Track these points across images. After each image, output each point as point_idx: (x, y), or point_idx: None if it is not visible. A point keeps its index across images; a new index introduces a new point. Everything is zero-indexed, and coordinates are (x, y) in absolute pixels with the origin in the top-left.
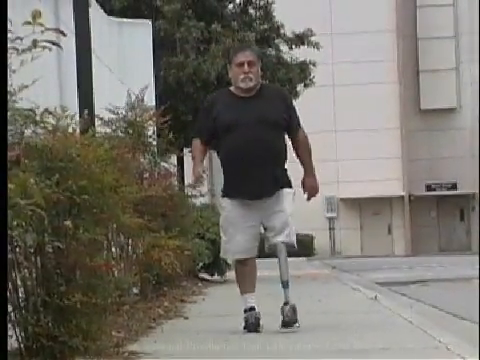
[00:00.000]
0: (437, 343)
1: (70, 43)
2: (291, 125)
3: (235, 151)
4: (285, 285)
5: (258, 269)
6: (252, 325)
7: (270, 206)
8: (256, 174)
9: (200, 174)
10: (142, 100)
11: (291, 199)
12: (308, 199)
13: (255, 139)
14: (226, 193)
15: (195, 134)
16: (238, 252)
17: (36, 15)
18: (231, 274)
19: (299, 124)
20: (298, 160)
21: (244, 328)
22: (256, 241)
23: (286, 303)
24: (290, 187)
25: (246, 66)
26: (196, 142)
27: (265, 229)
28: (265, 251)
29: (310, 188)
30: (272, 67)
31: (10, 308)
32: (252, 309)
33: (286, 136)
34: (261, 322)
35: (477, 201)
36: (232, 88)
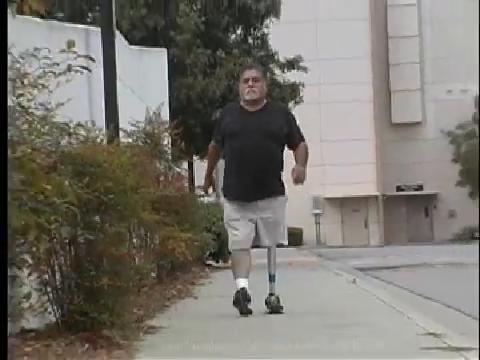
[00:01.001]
0: (406, 319)
1: (98, 68)
2: (291, 138)
3: (236, 157)
4: (272, 279)
5: (252, 257)
6: (241, 302)
7: (264, 209)
8: (251, 179)
9: (207, 189)
10: (158, 115)
11: (284, 206)
12: (294, 183)
13: (254, 148)
14: (225, 194)
15: (213, 138)
16: (239, 242)
17: (70, 44)
18: None
19: (302, 138)
20: (294, 160)
21: (233, 303)
22: (253, 233)
23: (271, 294)
24: (283, 194)
25: (251, 81)
26: (211, 146)
27: (258, 229)
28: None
29: (297, 173)
30: (268, 88)
31: (49, 289)
32: (242, 289)
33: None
34: (251, 297)
35: (439, 200)
36: (241, 102)
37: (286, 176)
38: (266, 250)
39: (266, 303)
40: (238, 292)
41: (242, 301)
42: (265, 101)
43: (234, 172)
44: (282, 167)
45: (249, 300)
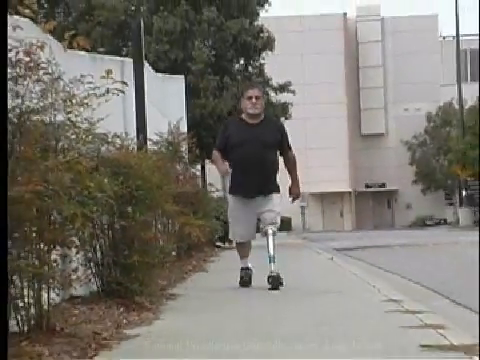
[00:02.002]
0: (372, 287)
1: (131, 90)
2: (283, 147)
3: (240, 162)
4: (271, 260)
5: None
6: (245, 281)
7: (263, 204)
8: (253, 179)
9: (226, 169)
10: (178, 128)
11: (279, 201)
12: (292, 201)
13: (255, 154)
14: (231, 191)
15: (215, 147)
16: (240, 236)
17: (109, 72)
18: None
19: (290, 147)
20: (287, 173)
21: (239, 282)
22: (253, 228)
23: (272, 272)
24: (278, 192)
25: (254, 99)
26: (216, 153)
27: (259, 220)
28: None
29: (295, 194)
30: (264, 107)
31: (92, 264)
32: (247, 269)
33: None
34: (253, 277)
35: (398, 195)
36: (242, 115)
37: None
38: (266, 237)
39: (268, 280)
40: (242, 270)
41: (247, 281)
42: (262, 116)
43: (239, 175)
44: (277, 169)
45: (250, 278)
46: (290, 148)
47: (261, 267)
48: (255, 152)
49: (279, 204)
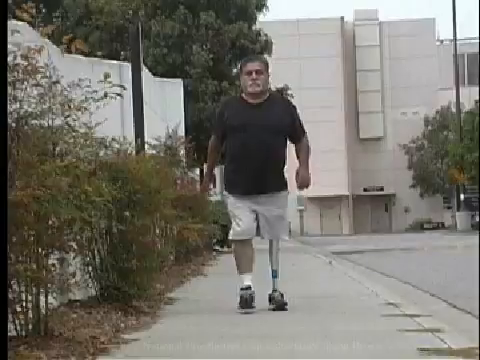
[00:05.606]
0: (370, 291)
1: (129, 94)
2: (294, 133)
3: (238, 151)
4: (274, 274)
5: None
6: (246, 302)
7: (266, 203)
8: (254, 174)
9: (205, 189)
10: (176, 132)
11: (286, 200)
12: (299, 188)
13: (257, 143)
14: (227, 189)
15: (213, 133)
16: (241, 233)
17: (107, 76)
18: None
19: (304, 132)
20: (297, 159)
21: (239, 303)
22: (254, 224)
23: (275, 290)
24: (286, 189)
25: (254, 74)
26: (212, 141)
27: (260, 222)
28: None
29: (302, 179)
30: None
31: (90, 268)
32: (248, 288)
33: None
34: (254, 299)
35: (396, 199)
36: (243, 94)
37: (289, 173)
38: (268, 243)
39: (270, 299)
40: (243, 290)
41: (248, 302)
42: (268, 94)
43: (236, 167)
44: (285, 161)
45: (253, 299)
46: (304, 133)
47: (260, 269)
48: (256, 139)
49: (285, 203)
